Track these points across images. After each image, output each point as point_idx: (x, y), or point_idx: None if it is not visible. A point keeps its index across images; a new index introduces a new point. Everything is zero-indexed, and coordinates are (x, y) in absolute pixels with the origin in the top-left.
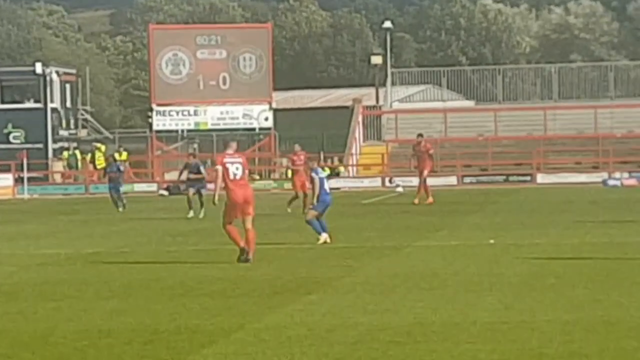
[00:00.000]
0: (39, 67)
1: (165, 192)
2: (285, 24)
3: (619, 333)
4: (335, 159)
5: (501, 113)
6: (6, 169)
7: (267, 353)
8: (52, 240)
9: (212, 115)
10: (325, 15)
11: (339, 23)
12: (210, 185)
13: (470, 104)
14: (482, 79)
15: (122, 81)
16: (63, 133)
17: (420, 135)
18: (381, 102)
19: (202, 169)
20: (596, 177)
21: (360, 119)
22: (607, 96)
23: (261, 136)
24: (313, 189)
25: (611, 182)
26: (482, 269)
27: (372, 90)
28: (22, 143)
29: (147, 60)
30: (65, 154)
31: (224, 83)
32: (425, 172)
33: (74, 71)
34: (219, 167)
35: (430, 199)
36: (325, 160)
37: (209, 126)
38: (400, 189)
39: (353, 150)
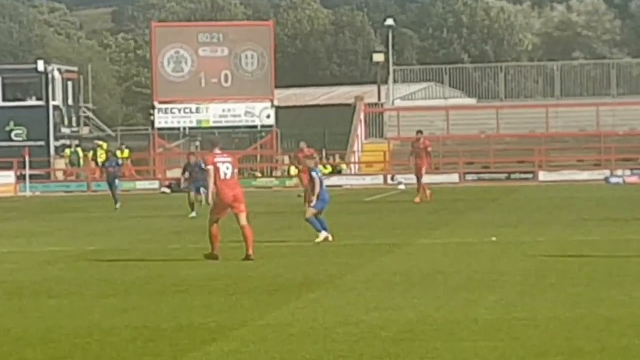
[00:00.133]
0: (41, 65)
1: (168, 190)
2: (287, 21)
3: (621, 331)
4: (337, 157)
5: (503, 111)
6: (8, 167)
7: (269, 351)
8: (54, 238)
9: (214, 113)
10: (328, 13)
11: (341, 21)
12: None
13: (472, 101)
14: (484, 76)
15: (124, 79)
16: (65, 131)
17: (419, 132)
18: (383, 100)
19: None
20: (598, 174)
21: (362, 116)
22: (610, 94)
23: (263, 134)
24: (314, 188)
25: (613, 180)
26: (484, 267)
27: (375, 88)
28: (24, 141)
29: (150, 58)
30: (68, 151)
31: (226, 81)
32: (423, 170)
33: (76, 69)
34: (211, 168)
35: (423, 197)
36: (327, 158)
37: (211, 124)
38: (402, 187)
39: (355, 148)
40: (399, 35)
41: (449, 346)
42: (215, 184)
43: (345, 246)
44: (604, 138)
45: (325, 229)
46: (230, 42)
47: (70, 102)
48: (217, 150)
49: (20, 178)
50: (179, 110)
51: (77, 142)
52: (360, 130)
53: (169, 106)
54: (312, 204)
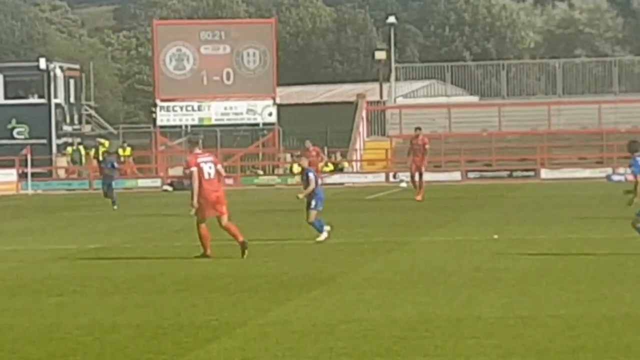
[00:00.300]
0: (42, 63)
1: (169, 188)
2: (289, 19)
3: (623, 328)
4: (339, 155)
5: (505, 108)
6: (10, 165)
7: (270, 348)
8: (56, 236)
9: (216, 111)
10: (330, 11)
11: (343, 18)
12: None
13: (474, 99)
14: (486, 74)
15: (126, 76)
16: (67, 128)
17: (418, 129)
18: (385, 98)
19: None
20: (600, 172)
21: (364, 114)
22: (611, 91)
23: (265, 131)
24: (308, 187)
25: (615, 178)
26: (486, 265)
27: (376, 85)
28: (26, 138)
29: (151, 55)
30: (69, 149)
31: (228, 78)
32: (423, 168)
33: (77, 66)
34: (194, 169)
35: (420, 197)
36: (329, 155)
37: (213, 121)
38: (404, 184)
39: (357, 146)
40: (402, 31)
41: (451, 344)
42: (199, 184)
43: (347, 244)
44: (605, 135)
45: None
46: (232, 39)
47: (72, 99)
48: (198, 150)
49: (22, 176)
50: (181, 108)
51: (78, 139)
52: (362, 127)
53: (171, 104)
54: (313, 206)
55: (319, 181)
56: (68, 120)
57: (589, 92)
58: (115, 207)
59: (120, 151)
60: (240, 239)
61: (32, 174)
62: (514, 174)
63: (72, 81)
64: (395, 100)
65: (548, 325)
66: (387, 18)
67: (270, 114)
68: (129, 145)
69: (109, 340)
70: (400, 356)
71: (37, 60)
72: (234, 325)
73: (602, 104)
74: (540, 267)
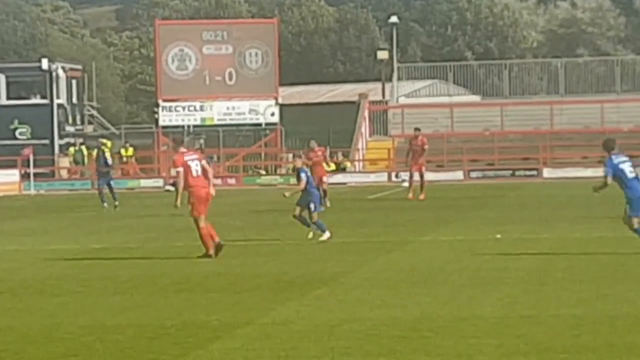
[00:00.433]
0: (45, 63)
1: (172, 188)
2: (291, 19)
3: (625, 327)
4: (341, 154)
5: (507, 108)
6: (12, 165)
7: (273, 348)
8: (58, 236)
9: (218, 111)
10: (332, 11)
11: (345, 18)
12: (217, 181)
13: (476, 98)
14: (488, 73)
15: (128, 77)
16: (69, 129)
17: (417, 129)
18: (387, 97)
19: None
20: (602, 171)
21: (366, 114)
22: (614, 91)
23: (267, 131)
24: (299, 186)
25: None
26: (489, 264)
27: (379, 85)
28: (28, 139)
29: (154, 55)
30: (72, 149)
31: (230, 78)
32: (423, 168)
33: (80, 67)
34: (181, 169)
35: (411, 195)
36: (331, 155)
37: (215, 122)
38: (406, 184)
39: (359, 145)
40: (403, 33)
41: (454, 343)
42: (188, 183)
43: (349, 244)
44: (608, 135)
45: (308, 226)
46: (234, 39)
47: (74, 100)
48: (183, 149)
49: (25, 176)
50: (183, 108)
51: (81, 140)
52: (364, 127)
53: (173, 104)
54: (313, 210)
55: (313, 182)
56: (70, 120)
57: (592, 92)
58: (116, 202)
59: (123, 151)
60: (216, 239)
61: (35, 175)
62: (517, 173)
63: (74, 82)
64: (397, 100)
65: (550, 324)
66: (389, 18)
67: (272, 114)
68: (131, 146)
69: (111, 340)
70: (403, 356)
71: (40, 61)
72: (236, 325)
73: (605, 103)
74: (542, 266)
